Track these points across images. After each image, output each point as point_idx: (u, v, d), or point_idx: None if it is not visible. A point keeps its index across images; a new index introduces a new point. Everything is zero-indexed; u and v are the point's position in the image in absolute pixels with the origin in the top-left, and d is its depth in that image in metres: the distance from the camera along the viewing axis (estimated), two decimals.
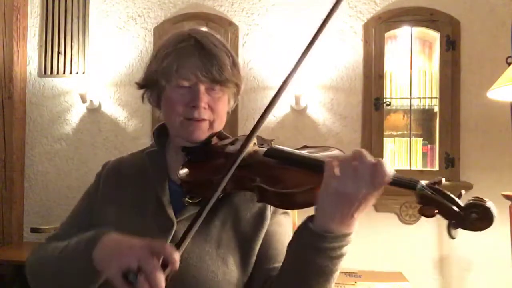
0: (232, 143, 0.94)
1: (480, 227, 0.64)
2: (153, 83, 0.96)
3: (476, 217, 0.64)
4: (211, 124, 0.94)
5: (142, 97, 1.01)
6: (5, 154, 3.11)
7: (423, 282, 2.75)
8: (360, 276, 2.55)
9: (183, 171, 0.88)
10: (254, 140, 0.88)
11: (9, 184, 3.12)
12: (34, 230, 2.74)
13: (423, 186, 0.68)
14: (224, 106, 0.96)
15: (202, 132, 0.93)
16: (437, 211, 0.66)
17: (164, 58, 0.92)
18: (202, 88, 0.91)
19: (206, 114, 0.92)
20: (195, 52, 0.90)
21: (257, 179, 0.78)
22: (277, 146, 0.87)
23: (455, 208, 0.65)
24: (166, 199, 0.92)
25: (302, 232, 0.73)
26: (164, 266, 0.68)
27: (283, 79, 0.81)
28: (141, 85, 0.99)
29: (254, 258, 0.90)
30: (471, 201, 0.65)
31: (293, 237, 0.77)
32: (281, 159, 0.81)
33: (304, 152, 0.83)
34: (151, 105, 1.02)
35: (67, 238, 0.88)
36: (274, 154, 0.83)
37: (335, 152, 0.84)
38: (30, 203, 3.23)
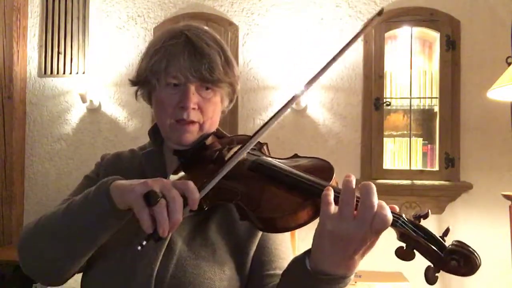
0: (228, 146, 0.89)
1: (462, 274, 0.59)
2: (144, 80, 0.93)
3: (456, 265, 0.59)
4: (201, 126, 0.91)
5: (136, 94, 0.98)
6: (5, 154, 3.11)
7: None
8: (360, 276, 2.55)
9: (174, 178, 0.84)
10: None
11: (9, 184, 3.12)
12: None
13: (404, 223, 0.62)
14: (215, 107, 0.92)
15: (192, 135, 0.90)
16: (417, 251, 0.61)
17: (153, 56, 0.89)
18: (191, 88, 0.87)
19: (195, 116, 0.89)
20: (184, 51, 0.87)
21: (238, 196, 0.73)
22: (264, 158, 0.79)
23: (437, 250, 0.60)
24: None
25: (297, 268, 0.69)
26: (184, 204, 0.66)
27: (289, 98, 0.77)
28: (134, 82, 0.96)
29: (249, 263, 0.87)
30: (452, 247, 0.59)
31: (288, 269, 0.73)
32: (266, 176, 0.74)
33: (291, 168, 0.74)
34: (145, 101, 0.99)
35: None
36: (259, 169, 0.76)
37: (323, 163, 0.76)
38: (30, 203, 3.22)
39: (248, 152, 0.83)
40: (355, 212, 0.61)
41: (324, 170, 0.72)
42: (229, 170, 0.73)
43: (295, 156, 0.83)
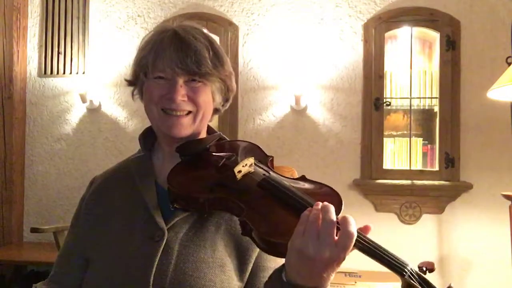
0: (235, 156, 0.86)
1: None
2: (136, 78, 0.93)
3: None
4: (194, 116, 0.89)
5: (132, 94, 0.98)
6: (5, 154, 3.11)
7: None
8: (360, 276, 2.55)
9: (172, 177, 0.83)
10: (251, 160, 0.81)
11: (9, 184, 3.12)
12: (34, 230, 2.74)
13: (411, 274, 0.64)
14: (206, 97, 0.90)
15: (183, 128, 0.88)
16: None
17: (141, 50, 0.90)
18: (180, 81, 0.86)
19: (186, 105, 0.88)
20: (171, 44, 0.86)
21: (244, 212, 0.72)
22: (275, 176, 0.78)
23: None
24: (154, 206, 0.87)
25: (276, 279, 0.70)
26: None
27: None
28: (129, 81, 0.96)
29: (251, 265, 0.84)
30: None
31: (269, 279, 0.73)
32: (276, 196, 0.74)
33: (303, 194, 0.73)
34: (141, 101, 0.98)
35: (62, 278, 0.91)
36: (270, 188, 0.75)
37: (325, 189, 0.77)
38: (30, 203, 3.22)
39: (256, 164, 0.82)
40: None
41: (333, 201, 0.70)
42: (236, 184, 0.74)
43: (304, 178, 0.82)
